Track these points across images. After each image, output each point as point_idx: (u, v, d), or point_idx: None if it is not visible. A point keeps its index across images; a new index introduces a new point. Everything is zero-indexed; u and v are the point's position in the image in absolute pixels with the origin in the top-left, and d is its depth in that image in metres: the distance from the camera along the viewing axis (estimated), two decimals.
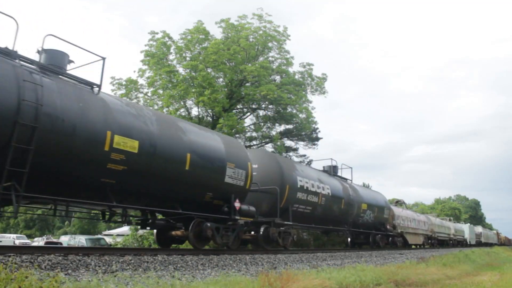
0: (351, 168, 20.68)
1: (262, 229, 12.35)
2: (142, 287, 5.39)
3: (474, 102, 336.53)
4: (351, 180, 20.15)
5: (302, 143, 29.58)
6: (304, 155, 30.86)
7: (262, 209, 12.91)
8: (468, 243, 49.92)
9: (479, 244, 56.20)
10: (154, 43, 23.63)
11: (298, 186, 14.07)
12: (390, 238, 23.89)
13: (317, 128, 29.30)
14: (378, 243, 21.60)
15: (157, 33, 23.85)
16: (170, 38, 23.82)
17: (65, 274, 5.65)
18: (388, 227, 23.02)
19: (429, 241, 34.48)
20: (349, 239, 22.83)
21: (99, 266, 6.42)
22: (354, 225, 19.13)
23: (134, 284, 5.51)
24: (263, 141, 27.14)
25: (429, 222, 33.98)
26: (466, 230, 50.51)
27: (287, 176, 13.62)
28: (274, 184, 12.99)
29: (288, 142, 28.88)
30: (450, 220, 51.30)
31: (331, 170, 18.66)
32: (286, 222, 13.20)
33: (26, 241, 35.74)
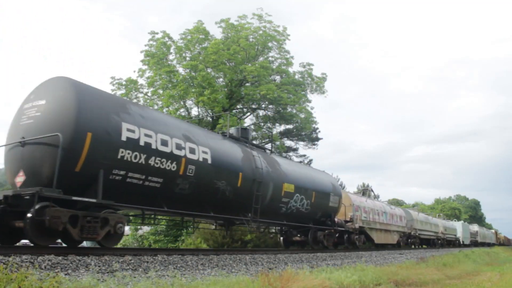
0: (271, 133, 14.43)
1: (35, 208, 6.93)
2: (142, 287, 5.39)
3: (474, 102, 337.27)
4: (271, 151, 14.39)
5: (302, 143, 29.64)
6: (304, 155, 30.93)
7: (42, 175, 7.58)
8: (461, 243, 45.52)
9: (474, 244, 52.26)
10: (154, 43, 23.65)
11: (124, 139, 8.20)
12: (346, 236, 18.56)
13: (317, 128, 29.36)
14: (322, 242, 15.96)
15: (157, 33, 23.88)
16: (170, 38, 23.85)
17: (65, 274, 5.66)
18: (337, 220, 17.08)
19: (409, 240, 28.88)
20: (281, 238, 17.57)
21: (99, 266, 6.42)
22: (270, 215, 13.11)
23: (134, 284, 5.51)
24: (263, 141, 27.17)
25: (408, 217, 28.28)
26: (458, 228, 45.59)
27: (89, 116, 7.87)
28: (58, 130, 7.42)
29: (288, 142, 28.93)
30: (439, 216, 47.22)
31: (237, 133, 13.05)
32: (77, 198, 7.55)
33: (26, 241, 35.69)
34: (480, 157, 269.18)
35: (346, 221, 18.84)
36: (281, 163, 13.93)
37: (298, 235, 16.28)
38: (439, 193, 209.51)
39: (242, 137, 12.90)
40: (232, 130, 13.35)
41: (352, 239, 18.98)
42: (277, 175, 13.12)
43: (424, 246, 34.12)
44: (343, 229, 17.80)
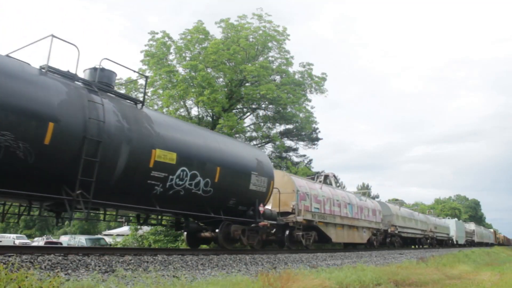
0: (147, 77, 11.15)
1: None
2: (142, 287, 5.39)
3: (474, 102, 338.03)
4: (143, 103, 9.51)
5: (302, 143, 29.70)
6: (304, 155, 30.97)
7: None
8: (455, 242, 42.22)
9: (470, 244, 49.03)
10: (154, 43, 23.68)
11: None
12: (287, 231, 14.53)
13: (317, 128, 29.42)
14: (239, 238, 11.59)
15: (157, 33, 23.92)
16: (170, 38, 23.88)
17: (65, 274, 5.66)
18: (263, 209, 12.35)
19: (387, 239, 24.56)
20: (185, 233, 12.97)
21: (99, 266, 6.43)
22: (130, 195, 8.85)
23: (134, 283, 5.52)
24: (263, 141, 27.19)
25: (385, 212, 24.07)
26: (451, 226, 41.91)
27: None
28: None
29: (288, 142, 28.97)
30: (429, 212, 44.33)
31: (91, 76, 9.06)
32: None
33: (26, 241, 35.78)
34: (480, 157, 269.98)
35: (288, 213, 14.49)
36: (156, 121, 9.38)
37: (215, 230, 11.66)
38: (439, 193, 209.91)
39: (91, 80, 8.86)
40: (87, 73, 9.18)
41: (295, 236, 14.54)
42: (141, 136, 8.72)
43: (413, 246, 31.06)
44: (274, 222, 13.35)
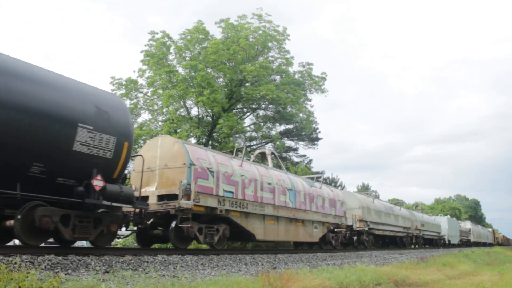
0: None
1: None
2: (142, 287, 5.39)
3: (474, 102, 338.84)
4: None
5: (302, 143, 29.72)
6: (304, 155, 30.99)
7: None
8: (447, 242, 38.30)
9: (466, 244, 45.67)
10: (154, 43, 23.71)
11: None
12: (174, 223, 9.92)
13: (317, 128, 29.45)
14: (56, 228, 7.11)
15: (157, 33, 23.95)
16: (169, 38, 23.92)
17: (65, 274, 5.66)
18: (102, 184, 7.50)
19: (354, 237, 19.57)
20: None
21: (99, 266, 6.43)
22: None
23: (134, 283, 5.52)
24: (263, 141, 27.19)
25: (355, 205, 19.85)
26: (443, 224, 37.78)
27: None
28: None
29: (288, 142, 28.99)
30: (416, 208, 41.25)
31: None
32: None
33: None
34: (480, 157, 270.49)
35: (177, 196, 9.88)
36: None
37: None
38: (439, 193, 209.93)
39: None
40: None
41: (184, 230, 10.01)
42: None
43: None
44: (128, 206, 8.31)
